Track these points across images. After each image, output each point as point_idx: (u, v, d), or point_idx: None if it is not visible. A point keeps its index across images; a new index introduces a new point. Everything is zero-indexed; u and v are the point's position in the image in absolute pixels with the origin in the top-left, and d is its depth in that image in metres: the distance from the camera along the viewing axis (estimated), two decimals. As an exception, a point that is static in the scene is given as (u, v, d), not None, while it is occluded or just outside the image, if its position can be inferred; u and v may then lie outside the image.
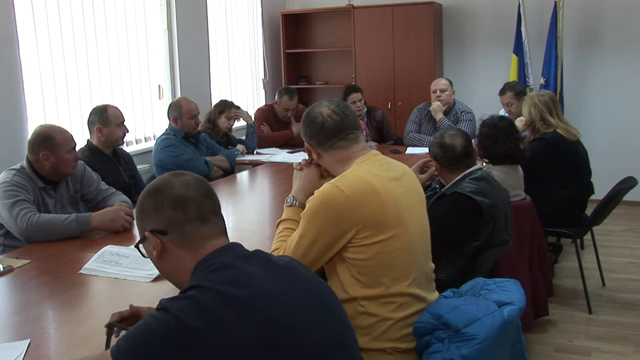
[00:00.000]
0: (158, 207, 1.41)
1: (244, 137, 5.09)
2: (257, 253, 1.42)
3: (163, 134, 4.24)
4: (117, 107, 3.57)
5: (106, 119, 3.44)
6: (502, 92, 4.90)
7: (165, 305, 1.25)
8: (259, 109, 5.56)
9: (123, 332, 1.41)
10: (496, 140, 3.18)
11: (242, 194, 3.81)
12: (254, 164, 4.61)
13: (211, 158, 4.35)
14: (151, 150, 4.32)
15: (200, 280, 1.30)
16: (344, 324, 1.43)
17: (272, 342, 1.24)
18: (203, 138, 4.44)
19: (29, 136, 2.86)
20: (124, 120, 3.54)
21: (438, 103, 4.96)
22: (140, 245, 1.47)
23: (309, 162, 2.14)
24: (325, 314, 1.37)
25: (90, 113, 3.50)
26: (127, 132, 3.57)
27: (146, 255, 1.48)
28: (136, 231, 2.65)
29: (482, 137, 3.24)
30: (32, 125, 3.61)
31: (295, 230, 1.94)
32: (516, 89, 4.80)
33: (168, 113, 4.26)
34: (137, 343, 1.23)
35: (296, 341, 1.27)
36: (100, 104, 3.64)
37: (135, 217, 1.49)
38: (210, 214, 1.42)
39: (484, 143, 3.23)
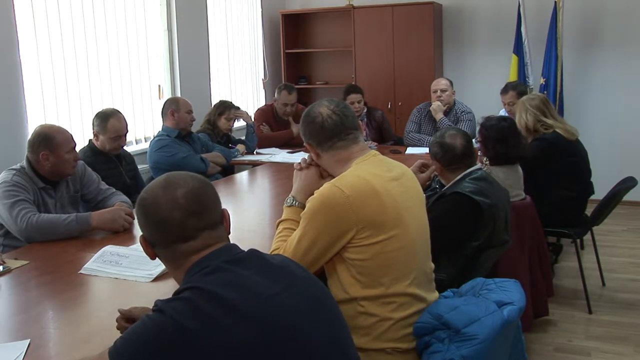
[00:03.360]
0: (143, 224, 1.44)
1: (243, 137, 5.09)
2: (251, 254, 1.42)
3: (156, 136, 4.26)
4: (120, 118, 3.49)
5: (105, 128, 3.43)
6: (504, 91, 4.91)
7: (161, 307, 1.26)
8: (258, 109, 5.57)
9: None
10: (508, 143, 3.18)
11: (242, 194, 3.81)
12: (254, 164, 4.61)
13: (206, 155, 4.36)
14: (151, 150, 4.32)
15: (195, 282, 1.31)
16: (340, 323, 1.43)
17: (268, 342, 1.24)
18: (197, 137, 4.45)
19: (29, 136, 2.86)
20: (126, 132, 3.51)
21: (438, 103, 4.96)
22: None
23: (309, 163, 2.13)
24: (322, 313, 1.38)
25: (95, 116, 3.48)
26: (124, 145, 3.55)
27: None
28: (136, 231, 2.67)
29: (492, 142, 3.22)
30: (32, 125, 3.61)
31: (295, 230, 1.94)
32: (519, 89, 4.81)
33: (163, 109, 4.26)
34: (133, 344, 1.24)
35: (292, 341, 1.27)
36: (101, 105, 3.64)
37: None
38: (196, 231, 1.39)
39: (496, 148, 3.21)
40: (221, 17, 5.88)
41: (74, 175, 2.92)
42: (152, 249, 1.45)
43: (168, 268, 1.48)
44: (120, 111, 3.57)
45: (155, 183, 1.45)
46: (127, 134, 3.58)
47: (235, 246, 1.43)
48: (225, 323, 1.22)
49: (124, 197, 3.01)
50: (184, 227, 1.38)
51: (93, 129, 3.46)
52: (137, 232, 2.63)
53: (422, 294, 1.90)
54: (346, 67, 6.66)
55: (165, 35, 5.13)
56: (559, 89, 5.82)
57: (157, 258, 1.48)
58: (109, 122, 3.43)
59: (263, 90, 6.64)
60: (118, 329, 1.56)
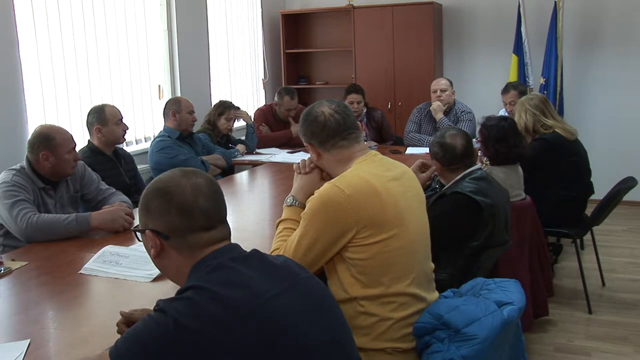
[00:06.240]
0: (164, 211, 1.39)
1: (243, 137, 5.09)
2: (254, 254, 1.42)
3: (157, 137, 4.25)
4: (114, 106, 3.57)
5: (104, 119, 3.44)
6: (505, 90, 4.94)
7: (162, 307, 1.25)
8: (258, 109, 5.56)
9: None
10: (508, 143, 3.18)
11: (242, 194, 3.81)
12: (254, 164, 4.61)
13: (207, 157, 4.36)
14: (151, 151, 4.32)
15: (197, 281, 1.30)
16: (341, 323, 1.43)
17: (270, 343, 1.24)
18: (198, 138, 4.45)
19: (29, 136, 2.86)
20: (122, 118, 3.54)
21: (438, 103, 4.96)
22: (138, 233, 1.47)
23: (312, 168, 2.11)
24: (323, 314, 1.38)
25: (88, 114, 3.51)
26: (127, 129, 3.57)
27: (141, 240, 1.47)
28: (136, 231, 2.66)
29: (492, 142, 3.21)
30: (32, 125, 3.61)
31: (295, 230, 1.94)
32: (519, 89, 4.84)
33: (165, 109, 4.27)
34: (135, 344, 1.23)
35: (294, 342, 1.27)
36: (98, 104, 3.65)
37: (139, 208, 1.46)
38: (216, 222, 1.41)
39: (496, 148, 3.21)
40: (221, 17, 5.88)
41: (74, 176, 2.92)
42: (161, 241, 1.39)
43: (170, 268, 1.44)
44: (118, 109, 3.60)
45: (172, 172, 1.43)
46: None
47: (237, 246, 1.44)
48: (227, 323, 1.22)
49: (124, 197, 3.01)
50: (208, 215, 1.39)
51: (92, 127, 3.46)
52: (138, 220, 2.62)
53: (422, 293, 1.90)
54: (346, 67, 6.66)
55: (165, 35, 5.12)
56: (559, 89, 5.83)
57: (159, 256, 1.43)
58: (106, 110, 3.48)
59: (263, 90, 6.64)
60: (119, 332, 1.54)
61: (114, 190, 3.05)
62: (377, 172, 1.90)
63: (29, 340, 1.63)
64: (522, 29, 5.89)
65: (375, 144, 4.96)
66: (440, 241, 2.19)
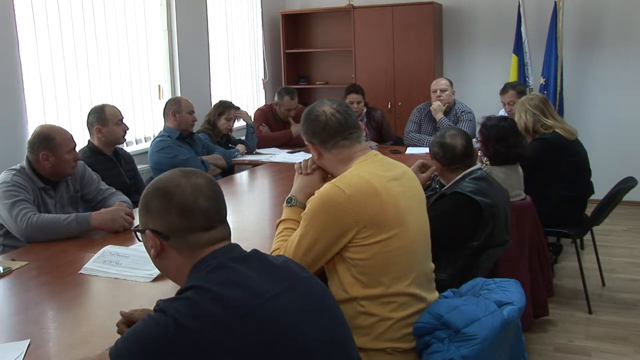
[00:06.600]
0: (164, 211, 1.39)
1: (243, 137, 5.09)
2: (254, 254, 1.42)
3: (157, 137, 4.25)
4: (114, 106, 3.57)
5: (104, 119, 3.45)
6: (503, 91, 4.94)
7: (162, 307, 1.25)
8: (258, 110, 5.57)
9: None
10: (508, 143, 3.18)
11: (242, 194, 3.81)
12: (254, 164, 4.61)
13: (207, 157, 4.36)
14: (151, 151, 4.32)
15: (198, 281, 1.30)
16: (341, 323, 1.43)
17: (270, 343, 1.24)
18: (198, 138, 4.45)
19: (29, 136, 2.86)
20: (123, 118, 3.55)
21: (438, 103, 4.97)
22: (138, 233, 1.47)
23: (314, 168, 2.11)
24: (323, 314, 1.38)
25: (89, 114, 3.51)
26: (128, 129, 3.57)
27: (142, 240, 1.47)
28: (136, 231, 2.66)
29: (492, 142, 3.21)
30: (32, 125, 3.61)
31: (295, 230, 1.94)
32: (518, 88, 4.84)
33: (165, 109, 4.27)
34: (135, 344, 1.23)
35: (294, 342, 1.27)
36: (98, 104, 3.65)
37: (139, 208, 1.46)
38: (216, 222, 1.41)
39: (496, 148, 3.21)
40: (221, 17, 5.88)
41: (74, 175, 2.92)
42: (161, 241, 1.39)
43: (170, 268, 1.44)
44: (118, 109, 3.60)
45: (172, 172, 1.44)
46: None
47: (237, 246, 1.44)
48: (227, 323, 1.22)
49: (124, 197, 3.01)
50: (208, 215, 1.39)
51: (92, 127, 3.46)
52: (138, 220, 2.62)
53: (422, 293, 1.90)
54: (346, 67, 6.66)
55: (165, 35, 5.13)
56: (559, 89, 5.83)
57: (159, 256, 1.43)
58: (106, 111, 3.48)
59: (263, 90, 6.64)
60: (119, 332, 1.54)
61: (114, 190, 3.05)
62: (378, 172, 1.90)
63: (29, 340, 1.63)
64: (522, 29, 5.89)
65: (376, 144, 4.96)
66: (440, 241, 2.19)
